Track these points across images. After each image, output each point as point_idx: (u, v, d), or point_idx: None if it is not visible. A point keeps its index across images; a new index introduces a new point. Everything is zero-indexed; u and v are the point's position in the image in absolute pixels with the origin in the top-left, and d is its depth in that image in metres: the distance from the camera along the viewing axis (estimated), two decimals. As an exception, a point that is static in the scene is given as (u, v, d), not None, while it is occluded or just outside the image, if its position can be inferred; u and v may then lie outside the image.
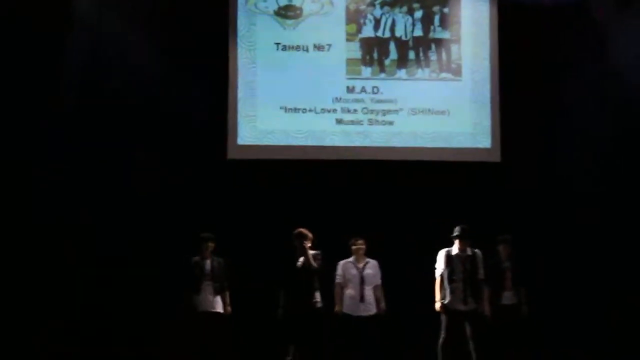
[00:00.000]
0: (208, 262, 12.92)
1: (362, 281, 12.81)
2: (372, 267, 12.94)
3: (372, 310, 12.80)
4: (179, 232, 13.59)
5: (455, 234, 12.57)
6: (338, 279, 12.88)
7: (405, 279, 13.35)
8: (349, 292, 12.82)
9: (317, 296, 12.34)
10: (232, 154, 14.64)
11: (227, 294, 12.92)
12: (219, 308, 12.84)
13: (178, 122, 14.39)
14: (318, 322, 12.25)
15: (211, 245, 12.93)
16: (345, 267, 12.92)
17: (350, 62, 14.83)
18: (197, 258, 12.94)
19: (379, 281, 12.90)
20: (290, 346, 12.19)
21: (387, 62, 14.89)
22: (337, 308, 12.68)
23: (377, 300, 12.84)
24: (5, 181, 13.85)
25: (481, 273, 12.56)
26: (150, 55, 14.40)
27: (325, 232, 13.05)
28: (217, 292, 12.85)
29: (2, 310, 13.13)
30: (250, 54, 14.80)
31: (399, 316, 13.15)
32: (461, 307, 12.39)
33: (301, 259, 12.26)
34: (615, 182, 14.43)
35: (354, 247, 12.94)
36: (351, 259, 12.97)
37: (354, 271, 12.88)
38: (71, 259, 13.88)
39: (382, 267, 12.97)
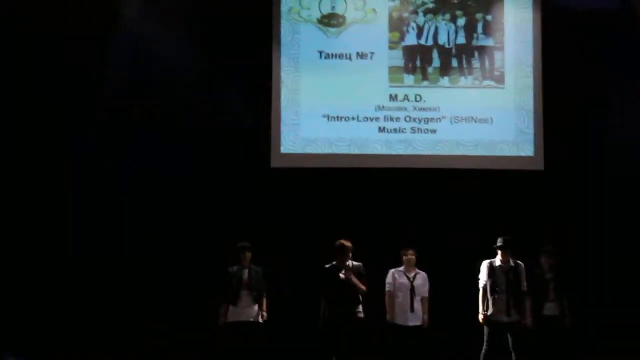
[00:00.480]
0: (246, 272, 12.89)
1: (412, 291, 12.89)
2: (421, 278, 12.99)
3: (419, 320, 12.88)
4: (220, 241, 13.59)
5: (498, 244, 12.52)
6: (388, 287, 12.92)
7: (449, 289, 13.28)
8: (399, 301, 12.90)
9: (360, 308, 12.40)
10: (275, 162, 14.69)
11: (265, 302, 12.88)
12: (257, 317, 12.84)
13: (222, 130, 14.44)
14: (359, 333, 12.30)
15: (249, 254, 12.90)
16: (395, 276, 12.99)
17: (392, 70, 14.78)
18: (234, 267, 12.95)
19: (426, 293, 12.94)
20: (332, 357, 12.25)
21: (429, 69, 14.83)
22: (388, 317, 12.74)
23: (423, 312, 12.94)
24: (43, 183, 14.18)
25: (524, 285, 12.51)
26: (195, 63, 14.47)
27: (368, 240, 13.12)
28: (255, 301, 12.83)
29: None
30: (293, 62, 14.79)
31: (442, 327, 13.09)
32: (504, 318, 12.35)
33: (343, 272, 12.32)
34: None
35: (405, 257, 12.96)
36: (401, 268, 12.99)
37: (404, 280, 12.93)
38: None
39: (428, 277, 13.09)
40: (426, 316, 12.85)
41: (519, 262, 12.56)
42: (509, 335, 12.34)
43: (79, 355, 13.31)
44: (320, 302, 12.32)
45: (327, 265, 12.43)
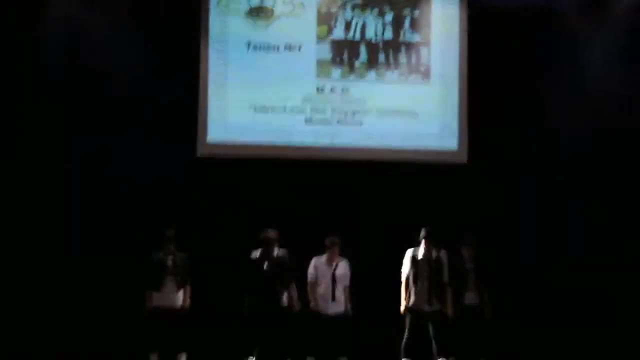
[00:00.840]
0: (170, 258, 12.95)
1: (334, 280, 12.95)
2: (343, 267, 13.03)
3: (341, 309, 12.95)
4: (147, 229, 13.55)
5: (421, 235, 12.64)
6: (310, 277, 12.98)
7: (372, 279, 13.35)
8: (321, 289, 12.95)
9: (284, 297, 12.47)
10: (201, 152, 14.71)
11: (189, 288, 12.91)
12: (180, 303, 12.87)
13: (149, 118, 14.41)
14: (283, 321, 12.37)
15: (172, 241, 12.92)
16: (317, 264, 13.05)
17: (320, 63, 14.86)
18: (159, 254, 12.95)
19: (347, 282, 13.01)
20: (255, 345, 12.30)
21: (357, 64, 14.91)
22: (312, 305, 12.79)
23: (345, 300, 13.03)
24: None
25: (446, 275, 12.62)
26: (124, 53, 14.40)
27: (293, 231, 13.17)
28: (179, 286, 12.89)
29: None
30: (222, 54, 14.85)
31: (366, 316, 13.15)
32: (425, 308, 12.45)
33: (266, 264, 12.40)
34: (583, 184, 14.61)
35: (327, 246, 13.01)
36: (323, 257, 13.07)
37: (326, 269, 12.98)
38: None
39: (351, 267, 13.11)
40: (349, 304, 12.94)
41: (441, 252, 12.68)
42: (430, 325, 12.46)
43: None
44: (244, 292, 12.39)
45: (252, 256, 12.49)
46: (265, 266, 12.37)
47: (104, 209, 14.25)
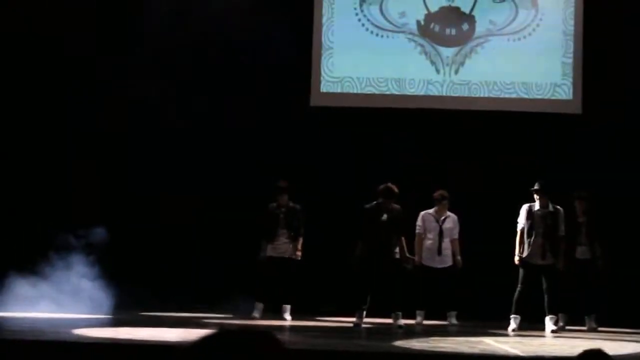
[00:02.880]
0: (283, 210, 13.00)
1: (441, 234, 12.95)
2: (451, 221, 12.98)
3: (448, 262, 12.96)
4: (260, 180, 13.61)
5: (534, 188, 12.31)
6: (418, 229, 12.96)
7: (486, 231, 13.25)
8: (428, 243, 13.01)
9: (397, 249, 12.43)
10: (315, 101, 14.82)
11: (300, 240, 12.93)
12: (291, 254, 12.94)
13: (261, 69, 14.51)
14: (394, 272, 12.38)
15: (285, 194, 12.95)
16: (425, 218, 13.01)
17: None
18: (272, 205, 13.02)
19: (456, 235, 12.98)
20: (366, 294, 12.36)
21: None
22: (417, 258, 12.76)
23: (454, 254, 13.03)
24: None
25: (562, 229, 12.32)
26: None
27: (406, 181, 13.16)
28: (291, 238, 13.01)
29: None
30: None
31: (477, 268, 13.09)
32: (539, 261, 12.23)
33: (385, 216, 12.42)
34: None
35: (436, 200, 12.98)
36: (432, 210, 13.02)
37: (434, 223, 12.99)
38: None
39: (462, 220, 13.03)
40: (459, 257, 12.87)
41: (558, 207, 12.34)
42: (542, 278, 12.23)
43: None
44: (355, 240, 12.43)
45: (367, 206, 12.29)
46: (383, 217, 12.32)
47: (221, 156, 14.38)
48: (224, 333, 2.38)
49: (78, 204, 13.88)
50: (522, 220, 12.40)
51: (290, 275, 12.91)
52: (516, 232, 12.41)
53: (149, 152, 14.30)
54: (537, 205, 12.36)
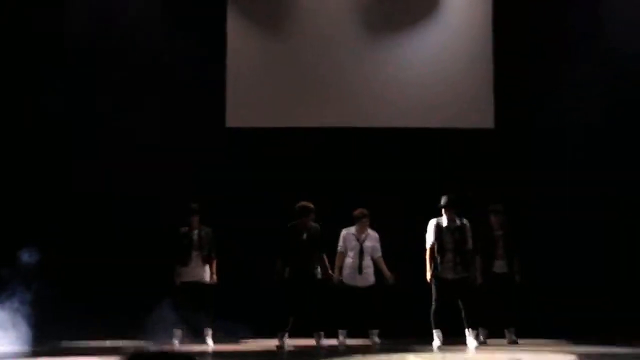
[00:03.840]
0: (196, 232, 12.91)
1: (361, 252, 12.91)
2: (371, 240, 12.98)
3: (370, 280, 12.92)
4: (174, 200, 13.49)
5: (442, 203, 12.38)
6: (340, 248, 12.93)
7: (400, 248, 13.20)
8: (349, 261, 12.97)
9: (318, 268, 12.42)
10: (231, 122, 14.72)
11: (215, 263, 12.88)
12: (207, 278, 12.86)
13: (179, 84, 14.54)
14: (317, 291, 12.42)
15: (197, 216, 12.87)
16: (346, 237, 12.97)
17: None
18: (184, 229, 12.93)
19: (379, 253, 12.95)
20: (290, 318, 12.37)
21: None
22: (336, 274, 12.73)
23: (382, 271, 12.88)
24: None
25: (470, 243, 12.43)
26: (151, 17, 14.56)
27: (324, 200, 13.12)
28: (205, 261, 12.88)
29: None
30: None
31: (400, 285, 12.93)
32: (450, 276, 12.29)
33: (304, 235, 12.38)
34: (606, 153, 14.40)
35: (357, 217, 12.95)
36: (352, 229, 13.03)
37: (354, 242, 12.95)
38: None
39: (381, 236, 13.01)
40: (388, 273, 12.80)
41: (464, 220, 12.46)
42: (456, 292, 12.28)
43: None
44: (276, 261, 12.38)
45: (289, 224, 12.39)
46: (304, 236, 12.37)
47: (134, 179, 14.20)
48: (139, 356, 2.34)
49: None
50: (430, 237, 12.49)
51: (207, 299, 12.78)
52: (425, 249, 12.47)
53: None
54: (444, 221, 12.44)
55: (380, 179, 14.30)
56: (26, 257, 12.47)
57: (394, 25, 14.74)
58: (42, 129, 14.30)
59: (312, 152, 14.46)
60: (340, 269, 12.89)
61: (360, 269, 12.87)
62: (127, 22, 14.59)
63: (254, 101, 14.60)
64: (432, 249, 12.44)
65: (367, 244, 12.93)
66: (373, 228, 13.02)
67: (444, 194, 12.48)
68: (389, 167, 14.49)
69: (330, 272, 12.45)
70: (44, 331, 12.35)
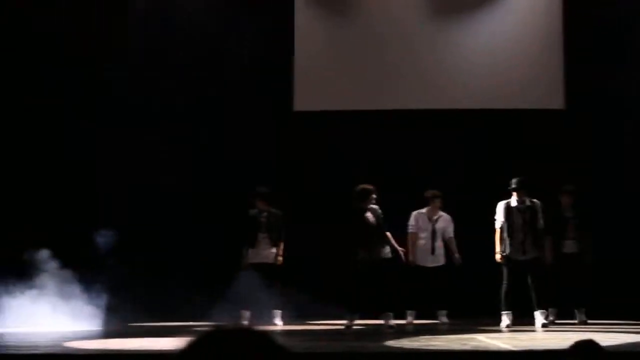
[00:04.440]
0: (264, 215, 13.02)
1: (434, 233, 12.95)
2: (444, 221, 13.00)
3: (441, 261, 12.97)
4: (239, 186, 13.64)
5: (512, 186, 12.26)
6: (411, 229, 12.98)
7: (470, 229, 13.15)
8: (421, 243, 12.99)
9: (387, 249, 12.36)
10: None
11: (282, 245, 12.97)
12: (273, 259, 12.95)
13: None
14: (386, 272, 12.38)
15: (264, 199, 12.96)
16: (418, 217, 13.01)
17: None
18: (253, 211, 13.04)
19: (451, 234, 12.97)
20: (359, 299, 12.31)
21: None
22: (410, 258, 12.76)
23: (452, 252, 12.94)
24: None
25: (541, 223, 12.30)
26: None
27: (392, 181, 13.16)
28: (272, 243, 12.98)
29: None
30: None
31: (464, 267, 12.97)
32: (520, 257, 12.20)
33: (370, 215, 12.41)
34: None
35: (429, 199, 12.99)
36: (424, 210, 13.03)
37: (426, 223, 12.99)
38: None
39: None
40: (457, 255, 12.85)
41: (535, 200, 12.34)
42: (527, 273, 12.16)
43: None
44: (351, 247, 12.23)
45: (354, 208, 12.23)
46: (370, 218, 12.31)
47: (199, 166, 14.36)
48: (220, 332, 2.36)
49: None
50: (499, 218, 12.40)
51: (275, 280, 12.84)
52: (495, 229, 12.39)
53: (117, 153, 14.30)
54: (514, 201, 12.35)
55: (449, 160, 14.20)
56: (100, 240, 12.65)
57: (463, 6, 14.63)
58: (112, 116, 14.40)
59: (380, 134, 14.38)
60: (413, 250, 12.85)
61: (433, 250, 12.83)
62: (192, 8, 14.66)
63: (322, 84, 14.55)
64: (501, 229, 12.33)
65: (440, 225, 12.91)
66: (444, 210, 13.03)
67: (514, 176, 12.35)
68: (458, 148, 14.42)
69: (400, 250, 12.37)
70: (114, 312, 12.47)
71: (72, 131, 14.28)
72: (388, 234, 12.30)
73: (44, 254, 12.53)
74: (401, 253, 12.40)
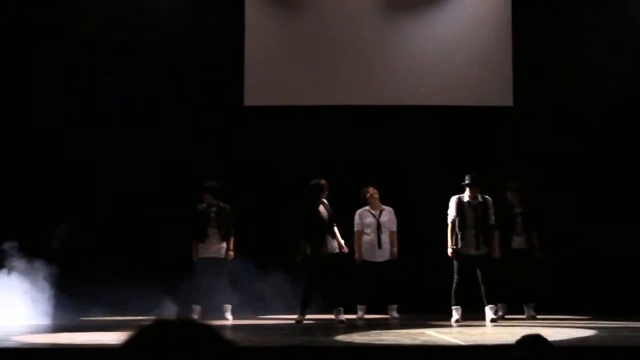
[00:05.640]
0: (213, 210, 12.96)
1: (379, 228, 13.01)
2: (387, 214, 13.07)
3: (388, 255, 13.00)
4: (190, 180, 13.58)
5: (466, 181, 12.33)
6: (357, 227, 13.01)
7: (420, 225, 13.27)
8: (367, 238, 13.02)
9: (335, 244, 12.32)
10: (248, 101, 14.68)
11: (232, 239, 12.93)
12: (223, 254, 12.92)
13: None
14: (338, 268, 12.30)
15: (211, 193, 12.92)
16: (362, 214, 13.05)
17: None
18: (202, 206, 12.98)
19: (394, 227, 13.05)
20: (310, 294, 12.22)
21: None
22: (356, 256, 12.81)
23: (391, 245, 13.07)
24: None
25: (492, 219, 12.39)
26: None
27: (336, 179, 13.11)
28: (222, 238, 12.93)
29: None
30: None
31: (413, 262, 13.13)
32: (473, 252, 12.29)
33: (323, 211, 12.31)
34: (627, 133, 14.36)
35: (368, 195, 13.04)
36: (367, 207, 13.09)
37: (370, 219, 13.04)
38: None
39: (397, 213, 13.08)
40: (395, 249, 12.94)
41: (486, 197, 12.41)
42: (477, 269, 12.25)
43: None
44: (300, 241, 12.20)
45: (307, 204, 12.23)
46: (321, 214, 12.28)
47: (154, 161, 14.23)
48: (161, 324, 2.31)
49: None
50: (452, 212, 12.46)
51: (225, 275, 12.82)
52: (447, 224, 12.44)
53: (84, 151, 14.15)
54: (466, 197, 12.42)
55: (398, 156, 14.21)
56: (56, 234, 12.57)
57: (414, 2, 14.62)
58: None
59: (330, 130, 14.36)
60: (359, 246, 12.91)
61: (379, 244, 12.86)
62: (144, 4, 14.55)
63: (272, 79, 14.49)
64: (453, 224, 12.38)
65: (384, 218, 12.94)
66: (386, 204, 13.08)
67: (467, 173, 12.42)
68: (407, 145, 14.41)
69: (345, 247, 12.37)
70: (63, 306, 12.37)
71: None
72: (336, 229, 12.29)
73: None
74: (344, 251, 12.36)
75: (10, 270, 12.32)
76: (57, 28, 14.39)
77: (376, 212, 13.03)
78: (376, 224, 12.98)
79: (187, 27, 14.55)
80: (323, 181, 12.28)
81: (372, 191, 13.03)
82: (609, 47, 14.36)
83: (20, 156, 14.22)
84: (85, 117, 14.24)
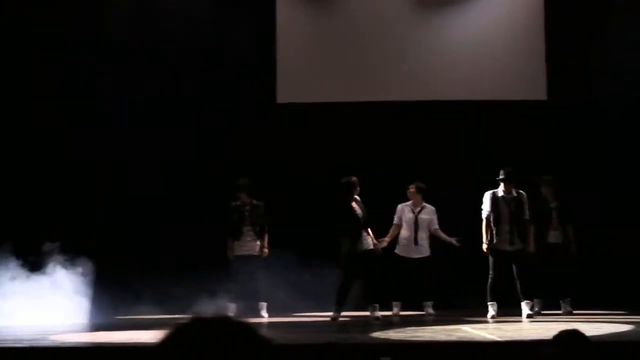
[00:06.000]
0: (247, 207, 13.00)
1: (416, 225, 12.97)
2: (427, 212, 13.02)
3: (424, 253, 12.98)
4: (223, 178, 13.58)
5: (500, 177, 12.30)
6: (396, 221, 13.00)
7: (456, 221, 13.13)
8: (404, 234, 13.01)
9: (370, 240, 12.33)
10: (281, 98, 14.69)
11: (266, 237, 12.98)
12: (258, 251, 12.97)
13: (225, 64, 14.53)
14: (373, 262, 12.32)
15: (246, 191, 12.96)
16: (402, 210, 13.05)
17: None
18: (236, 203, 13.03)
19: (435, 225, 13.00)
20: (346, 291, 12.23)
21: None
22: (378, 246, 12.62)
23: (447, 242, 12.87)
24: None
25: (527, 214, 12.36)
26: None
27: (370, 175, 13.11)
28: (257, 235, 12.98)
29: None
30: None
31: (449, 258, 13.04)
32: (507, 247, 12.25)
33: (356, 207, 12.32)
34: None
35: (409, 192, 13.01)
36: (409, 202, 13.07)
37: (409, 214, 13.02)
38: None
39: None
40: (454, 239, 12.79)
41: (521, 192, 12.38)
42: (513, 264, 12.22)
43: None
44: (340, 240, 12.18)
45: (342, 202, 12.22)
46: (357, 211, 12.27)
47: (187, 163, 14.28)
48: (198, 322, 2.31)
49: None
50: (486, 208, 12.43)
51: (262, 272, 12.85)
52: (482, 219, 12.40)
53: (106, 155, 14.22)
54: (500, 192, 12.38)
55: (433, 151, 14.16)
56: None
57: (446, -2, 14.60)
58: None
59: (362, 126, 14.34)
60: (393, 240, 12.89)
61: (415, 241, 12.83)
62: (174, 5, 14.58)
63: (304, 77, 14.49)
64: (487, 219, 12.33)
65: (423, 216, 12.91)
66: (429, 202, 13.04)
67: (501, 168, 12.40)
68: (444, 139, 14.37)
69: (377, 244, 12.38)
70: (100, 305, 12.44)
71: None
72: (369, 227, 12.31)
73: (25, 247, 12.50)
74: (378, 247, 12.37)
75: (46, 270, 12.38)
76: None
77: (416, 209, 12.98)
78: (414, 219, 12.94)
79: (219, 25, 14.52)
80: (354, 178, 12.31)
81: (411, 188, 12.99)
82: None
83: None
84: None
